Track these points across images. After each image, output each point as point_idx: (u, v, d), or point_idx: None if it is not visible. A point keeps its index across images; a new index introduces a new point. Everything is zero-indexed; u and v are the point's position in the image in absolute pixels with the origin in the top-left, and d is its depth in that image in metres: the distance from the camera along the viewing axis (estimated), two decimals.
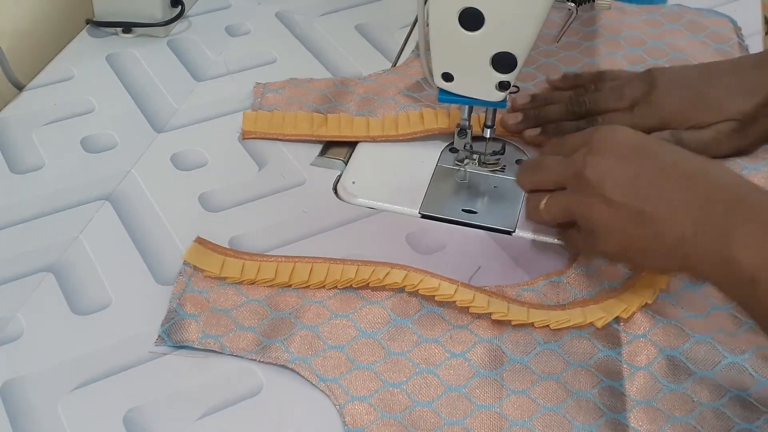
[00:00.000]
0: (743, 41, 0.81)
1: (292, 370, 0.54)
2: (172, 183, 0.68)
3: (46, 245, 0.62)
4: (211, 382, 0.54)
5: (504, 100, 0.63)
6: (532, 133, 0.70)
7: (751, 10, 0.85)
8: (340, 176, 0.69)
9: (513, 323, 0.55)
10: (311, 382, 0.53)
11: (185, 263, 0.60)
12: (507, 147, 0.69)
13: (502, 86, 0.61)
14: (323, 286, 0.58)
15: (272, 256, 0.60)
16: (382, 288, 0.58)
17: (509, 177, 0.68)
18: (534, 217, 0.60)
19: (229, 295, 0.58)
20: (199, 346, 0.55)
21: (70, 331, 0.57)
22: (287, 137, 0.71)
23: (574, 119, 0.69)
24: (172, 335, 0.55)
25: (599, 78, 0.72)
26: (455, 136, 0.66)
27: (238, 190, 0.67)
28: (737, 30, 0.82)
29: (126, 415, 0.52)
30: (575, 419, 0.51)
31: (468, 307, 0.56)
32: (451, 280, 0.58)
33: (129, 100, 0.76)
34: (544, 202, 0.58)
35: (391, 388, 0.52)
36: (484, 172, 0.68)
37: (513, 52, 0.59)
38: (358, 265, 0.58)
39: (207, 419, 0.52)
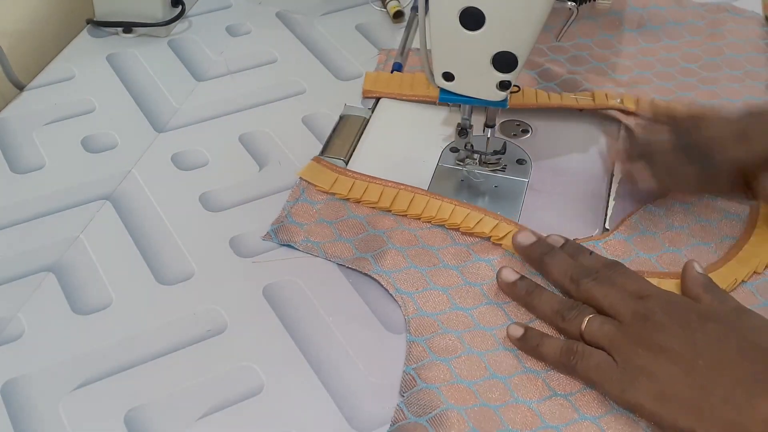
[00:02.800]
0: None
1: (375, 279, 0.60)
2: (172, 183, 0.68)
3: (47, 245, 0.62)
4: (211, 382, 0.54)
5: (504, 100, 0.63)
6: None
7: (751, 10, 0.85)
8: None
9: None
10: (388, 292, 0.59)
11: (301, 179, 0.66)
12: (508, 146, 0.69)
13: (503, 86, 0.61)
14: (419, 218, 0.63)
15: (380, 179, 0.66)
16: (471, 234, 0.62)
17: (510, 177, 0.68)
18: (557, 321, 0.56)
19: (336, 209, 0.65)
20: (301, 248, 0.62)
21: (71, 330, 0.57)
22: (404, 97, 0.75)
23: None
24: (278, 234, 0.63)
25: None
26: (456, 135, 0.66)
27: (238, 190, 0.67)
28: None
29: (127, 415, 0.52)
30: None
31: None
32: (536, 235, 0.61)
33: (129, 100, 0.76)
34: (587, 319, 0.54)
35: (457, 311, 0.58)
36: (485, 171, 0.68)
37: (514, 52, 0.59)
38: (455, 205, 0.64)
39: (208, 419, 0.52)
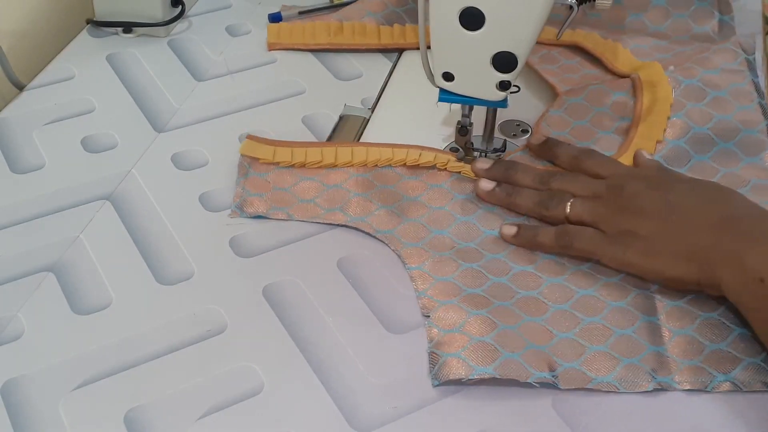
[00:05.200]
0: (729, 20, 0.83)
1: (354, 228, 0.63)
2: (172, 183, 0.68)
3: (47, 245, 0.62)
4: (211, 382, 0.54)
5: (504, 100, 0.63)
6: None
7: (751, 10, 0.85)
8: None
9: None
10: (370, 235, 0.63)
11: (242, 156, 0.68)
12: (508, 144, 0.69)
13: (503, 86, 0.61)
14: (365, 164, 0.67)
15: (316, 143, 0.70)
16: (417, 166, 0.67)
17: None
18: (542, 212, 0.62)
19: (285, 177, 0.67)
20: (271, 216, 0.64)
21: (71, 330, 0.57)
22: (308, 47, 0.81)
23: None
24: (244, 208, 0.65)
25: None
26: (456, 134, 0.66)
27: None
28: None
29: (127, 415, 0.52)
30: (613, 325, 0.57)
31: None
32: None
33: (129, 100, 0.76)
34: (569, 203, 0.61)
35: (438, 234, 0.62)
36: None
37: (513, 52, 0.59)
38: (392, 148, 0.68)
39: (208, 419, 0.52)
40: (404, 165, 0.67)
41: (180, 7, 0.84)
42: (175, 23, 0.84)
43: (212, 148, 0.71)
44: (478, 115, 0.66)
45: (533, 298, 0.58)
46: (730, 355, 0.54)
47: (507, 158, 0.68)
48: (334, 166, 0.67)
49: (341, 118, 0.74)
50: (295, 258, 0.62)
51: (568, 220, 0.61)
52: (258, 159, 0.68)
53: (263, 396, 0.53)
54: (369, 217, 0.64)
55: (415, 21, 0.82)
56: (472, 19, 0.58)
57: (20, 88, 0.78)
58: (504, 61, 0.59)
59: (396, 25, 0.82)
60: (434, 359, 0.54)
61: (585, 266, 0.60)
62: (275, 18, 0.84)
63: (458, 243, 0.62)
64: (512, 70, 0.60)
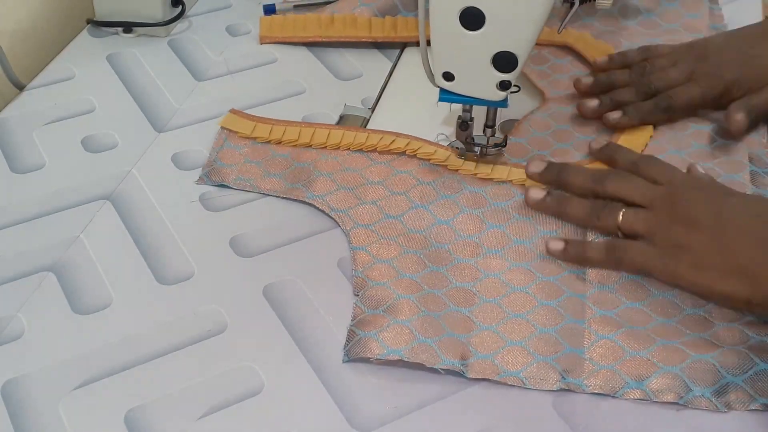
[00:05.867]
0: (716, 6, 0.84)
1: (310, 204, 0.65)
2: (172, 183, 0.68)
3: (47, 245, 0.62)
4: (211, 382, 0.54)
5: (505, 100, 0.63)
6: (614, 116, 0.70)
7: (751, 9, 0.85)
8: None
9: (495, 179, 0.67)
10: (326, 213, 0.65)
11: (221, 128, 0.71)
12: (508, 140, 0.69)
13: (503, 85, 0.61)
14: (338, 148, 0.69)
15: (294, 122, 0.72)
16: (388, 152, 0.69)
17: None
18: (593, 222, 0.61)
19: (259, 151, 0.70)
20: (234, 186, 0.67)
21: (71, 330, 0.57)
22: (300, 40, 0.82)
23: (644, 99, 0.70)
24: (211, 176, 0.67)
25: (645, 55, 0.73)
26: (456, 129, 0.66)
27: (238, 190, 0.67)
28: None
29: (127, 415, 0.52)
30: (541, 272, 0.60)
31: (458, 170, 0.67)
32: (446, 148, 0.68)
33: (130, 100, 0.76)
34: (621, 213, 0.60)
35: (389, 219, 0.63)
36: None
37: (514, 52, 0.59)
38: (369, 133, 0.70)
39: (208, 418, 0.52)
40: (375, 150, 0.68)
41: (180, 7, 0.84)
42: (176, 23, 0.84)
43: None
44: (478, 115, 0.66)
45: (465, 290, 0.59)
46: (648, 362, 0.54)
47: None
48: (309, 145, 0.70)
49: (341, 118, 0.74)
50: (295, 258, 0.62)
51: (619, 230, 0.60)
52: (236, 132, 0.71)
53: (263, 396, 0.53)
54: (327, 196, 0.65)
55: (410, 10, 0.83)
56: (472, 19, 0.58)
57: (20, 88, 0.78)
58: (504, 61, 0.59)
59: (388, 18, 0.82)
60: (351, 336, 0.56)
61: (526, 263, 0.60)
62: (269, 10, 0.85)
63: (408, 229, 0.63)
64: (512, 70, 0.60)
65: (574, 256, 0.60)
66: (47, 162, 0.70)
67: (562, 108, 0.73)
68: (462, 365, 0.54)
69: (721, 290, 0.56)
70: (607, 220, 0.60)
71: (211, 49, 0.82)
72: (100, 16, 0.83)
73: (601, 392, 0.53)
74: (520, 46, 0.59)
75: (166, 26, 0.83)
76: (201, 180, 0.67)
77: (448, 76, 0.62)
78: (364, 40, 0.81)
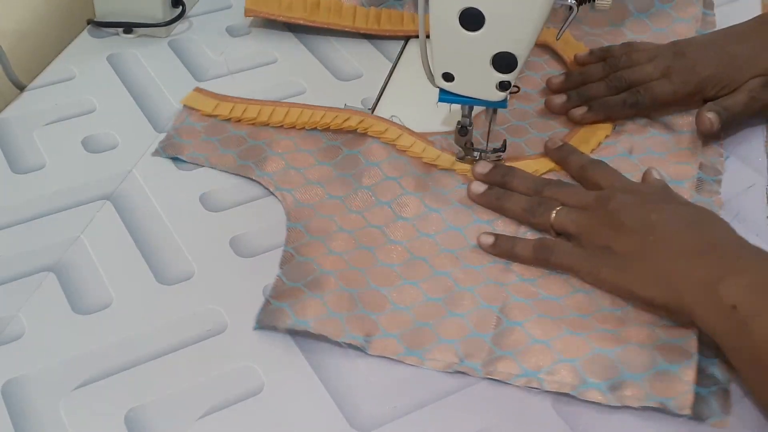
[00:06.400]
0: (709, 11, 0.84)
1: (257, 182, 0.67)
2: (173, 183, 0.68)
3: (48, 245, 0.62)
4: (211, 382, 0.54)
5: (504, 100, 0.63)
6: (579, 112, 0.71)
7: (752, 10, 0.85)
8: None
9: (439, 167, 0.68)
10: (267, 189, 0.66)
11: (185, 106, 0.73)
12: (507, 144, 0.69)
13: (503, 86, 0.61)
14: (294, 126, 0.71)
15: (258, 100, 0.73)
16: (340, 130, 0.70)
17: None
18: (528, 218, 0.62)
19: (218, 128, 0.71)
20: (188, 160, 0.69)
21: (72, 330, 0.57)
22: (285, 19, 0.82)
23: (615, 94, 0.71)
24: (166, 149, 0.69)
25: (626, 50, 0.74)
26: (456, 134, 0.66)
27: (238, 190, 0.67)
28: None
29: (127, 415, 0.52)
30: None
31: (406, 151, 0.69)
32: (401, 127, 0.70)
33: (130, 100, 0.76)
34: (555, 211, 0.61)
35: (331, 199, 0.65)
36: None
37: (513, 52, 0.59)
38: (325, 111, 0.71)
39: (208, 418, 0.52)
40: (328, 129, 0.70)
41: (180, 7, 0.84)
42: (176, 24, 0.84)
43: None
44: (478, 119, 0.66)
45: (389, 270, 0.60)
46: (548, 352, 0.54)
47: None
48: (266, 124, 0.71)
49: None
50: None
51: (552, 228, 0.61)
52: (198, 110, 0.72)
53: (263, 396, 0.53)
54: (275, 175, 0.67)
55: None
56: (472, 20, 0.58)
57: (21, 88, 0.78)
58: (504, 62, 0.59)
59: (372, 9, 0.83)
60: (265, 306, 0.57)
61: (454, 250, 0.61)
62: None
63: (348, 209, 0.64)
64: (512, 71, 0.60)
65: (503, 252, 0.61)
66: (48, 162, 0.70)
67: (522, 105, 0.73)
68: (365, 341, 0.55)
69: (641, 295, 0.56)
70: (541, 217, 0.61)
71: (212, 50, 0.82)
72: (100, 17, 0.83)
73: (494, 378, 0.53)
74: (519, 46, 0.59)
75: (167, 27, 0.83)
76: (156, 153, 0.69)
77: (448, 77, 0.62)
78: (347, 29, 0.82)
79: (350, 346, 0.55)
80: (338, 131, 0.70)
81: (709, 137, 0.69)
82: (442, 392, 0.53)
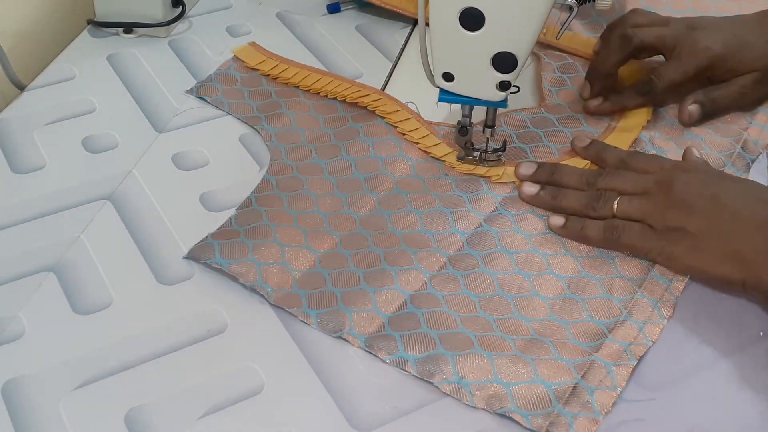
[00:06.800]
0: None
1: (258, 132, 0.71)
2: (173, 183, 0.68)
3: (48, 245, 0.62)
4: (211, 382, 0.54)
5: (505, 100, 0.63)
6: (594, 103, 0.72)
7: (753, 10, 0.85)
8: None
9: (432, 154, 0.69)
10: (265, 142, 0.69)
11: (234, 57, 0.78)
12: (508, 144, 0.69)
13: (503, 86, 0.61)
14: (319, 93, 0.74)
15: (300, 64, 0.77)
16: (355, 104, 0.72)
17: None
18: (590, 213, 0.62)
19: (253, 81, 0.76)
20: (211, 102, 0.74)
21: (72, 330, 0.57)
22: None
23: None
24: (200, 90, 0.75)
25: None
26: (455, 134, 0.66)
27: (238, 190, 0.67)
28: None
29: (127, 415, 0.52)
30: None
31: (405, 135, 0.70)
32: (411, 112, 0.71)
33: (130, 100, 0.76)
34: (616, 202, 0.60)
35: (315, 162, 0.68)
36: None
37: (513, 52, 0.59)
38: (350, 85, 0.74)
39: (208, 418, 0.52)
40: (344, 101, 0.73)
41: (180, 7, 0.84)
42: (176, 24, 0.84)
43: (213, 148, 0.71)
44: (478, 115, 0.66)
45: (330, 236, 0.62)
46: (428, 338, 0.55)
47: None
48: (297, 86, 0.75)
49: None
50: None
51: (615, 218, 0.61)
52: (244, 62, 0.77)
53: (263, 396, 0.53)
54: (277, 130, 0.70)
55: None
56: (472, 20, 0.58)
57: (21, 88, 0.78)
58: (504, 62, 0.59)
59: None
60: (202, 241, 0.61)
61: (404, 232, 0.62)
62: (334, 9, 0.86)
63: (324, 172, 0.66)
64: (512, 71, 0.60)
65: (573, 233, 0.61)
66: (48, 162, 0.70)
67: (545, 113, 0.73)
68: (272, 290, 0.58)
69: (717, 273, 0.57)
70: (603, 210, 0.61)
71: (212, 50, 0.82)
72: (100, 17, 0.83)
73: (371, 352, 0.55)
74: (519, 46, 0.59)
75: (167, 27, 0.83)
76: (189, 91, 0.75)
77: (448, 77, 0.62)
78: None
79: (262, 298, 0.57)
80: (354, 105, 0.72)
81: (687, 126, 0.71)
82: (442, 392, 0.53)
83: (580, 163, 0.67)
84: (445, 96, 0.63)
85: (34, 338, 0.56)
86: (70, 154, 0.70)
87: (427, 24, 0.60)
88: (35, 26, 0.84)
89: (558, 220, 0.62)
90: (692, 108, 0.70)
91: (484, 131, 0.66)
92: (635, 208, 0.60)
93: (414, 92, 0.73)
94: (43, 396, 0.53)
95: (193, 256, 0.60)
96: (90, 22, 0.84)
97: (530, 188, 0.64)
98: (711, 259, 0.57)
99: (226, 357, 0.55)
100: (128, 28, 0.83)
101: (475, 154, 0.67)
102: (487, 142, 0.67)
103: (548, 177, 0.65)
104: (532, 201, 0.64)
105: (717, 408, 0.53)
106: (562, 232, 0.61)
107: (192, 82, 0.78)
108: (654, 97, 0.71)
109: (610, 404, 0.52)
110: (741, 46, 0.70)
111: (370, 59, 0.81)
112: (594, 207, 0.61)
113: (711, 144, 0.69)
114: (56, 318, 0.58)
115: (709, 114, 0.70)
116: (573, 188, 0.64)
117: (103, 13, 0.83)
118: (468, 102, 0.63)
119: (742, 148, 0.69)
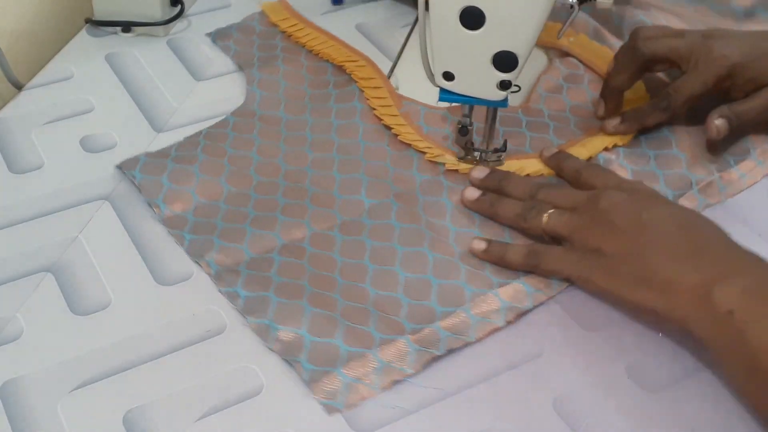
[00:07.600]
0: None
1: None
2: None
3: (46, 245, 0.62)
4: (211, 382, 0.54)
5: (505, 100, 0.63)
6: (612, 123, 0.69)
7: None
8: None
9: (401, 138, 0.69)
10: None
11: (261, 12, 0.83)
12: (508, 145, 0.69)
13: (503, 85, 0.61)
14: (318, 54, 0.78)
15: (320, 29, 0.80)
16: (342, 68, 0.76)
17: None
18: (520, 223, 0.61)
19: (269, 35, 0.80)
20: (221, 47, 0.80)
21: (70, 331, 0.57)
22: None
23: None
24: (216, 37, 0.81)
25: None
26: (456, 134, 0.66)
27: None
28: None
29: (126, 416, 0.52)
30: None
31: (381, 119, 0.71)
32: (391, 91, 0.73)
33: (128, 100, 0.76)
34: (547, 214, 0.59)
35: (279, 115, 0.71)
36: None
37: (514, 51, 0.59)
38: (350, 53, 0.77)
39: (207, 419, 0.52)
40: (342, 69, 0.75)
41: (179, 6, 0.84)
42: (175, 23, 0.84)
43: None
44: (479, 114, 0.66)
45: (244, 195, 0.64)
46: (264, 280, 0.58)
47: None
48: (303, 45, 0.78)
49: None
50: None
51: (544, 232, 0.60)
52: (268, 17, 0.82)
53: (263, 396, 0.53)
54: (263, 78, 0.74)
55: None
56: (472, 19, 0.58)
57: (19, 87, 0.78)
58: (504, 61, 0.59)
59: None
60: (134, 156, 0.67)
61: (327, 210, 0.63)
62: (337, 1, 0.87)
63: (280, 133, 0.69)
64: (512, 70, 0.60)
65: (494, 257, 0.60)
66: (46, 162, 0.70)
67: (520, 115, 0.72)
68: (165, 208, 0.63)
69: (630, 299, 0.54)
70: (533, 221, 0.60)
71: (210, 49, 0.82)
72: (98, 16, 0.83)
73: (215, 283, 0.58)
74: (520, 45, 0.59)
75: (165, 26, 0.83)
76: (209, 34, 0.81)
77: (448, 76, 0.62)
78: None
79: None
80: (342, 70, 0.75)
81: (714, 144, 0.68)
82: (442, 392, 0.53)
83: (535, 167, 0.67)
84: (446, 95, 0.63)
85: (32, 339, 0.56)
86: (68, 154, 0.70)
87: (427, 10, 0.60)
88: (33, 25, 0.84)
89: (479, 245, 0.60)
90: (719, 123, 0.66)
91: (484, 135, 0.66)
92: (563, 224, 0.58)
93: (414, 92, 0.73)
94: (41, 397, 0.53)
95: (121, 165, 0.66)
96: (88, 21, 0.84)
97: (472, 193, 0.64)
98: (625, 283, 0.54)
99: (225, 358, 0.55)
100: (126, 27, 0.83)
101: (476, 154, 0.67)
102: (488, 142, 0.67)
103: (497, 184, 0.64)
104: (471, 206, 0.64)
105: (717, 408, 0.53)
106: (484, 256, 0.60)
107: (191, 82, 0.78)
108: (673, 112, 0.68)
109: (390, 383, 0.53)
110: (760, 55, 0.67)
111: (371, 58, 0.81)
112: (525, 218, 0.61)
113: (667, 179, 0.66)
114: (54, 318, 0.57)
115: (735, 129, 0.67)
116: (515, 198, 0.63)
117: (101, 12, 0.83)
118: (468, 101, 0.63)
119: (699, 191, 0.65)
